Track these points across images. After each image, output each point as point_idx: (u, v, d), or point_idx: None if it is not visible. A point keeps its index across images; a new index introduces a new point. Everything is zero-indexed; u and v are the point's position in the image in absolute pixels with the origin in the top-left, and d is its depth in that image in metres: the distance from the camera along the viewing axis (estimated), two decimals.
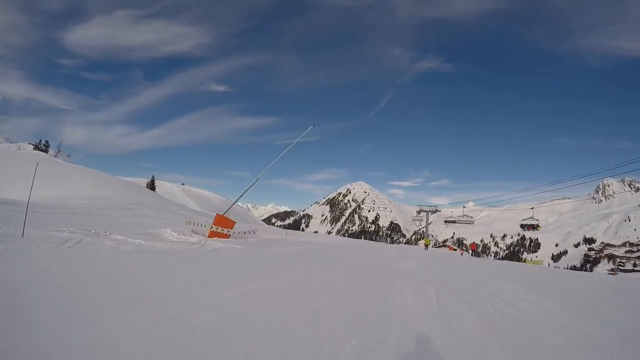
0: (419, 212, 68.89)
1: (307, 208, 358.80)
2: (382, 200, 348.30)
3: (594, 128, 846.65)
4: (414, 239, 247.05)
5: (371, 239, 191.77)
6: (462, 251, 51.10)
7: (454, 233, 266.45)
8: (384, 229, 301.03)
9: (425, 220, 67.38)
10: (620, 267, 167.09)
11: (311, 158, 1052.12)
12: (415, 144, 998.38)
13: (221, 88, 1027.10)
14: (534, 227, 32.88)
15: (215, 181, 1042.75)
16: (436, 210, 67.52)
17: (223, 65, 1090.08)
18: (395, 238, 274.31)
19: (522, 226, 33.68)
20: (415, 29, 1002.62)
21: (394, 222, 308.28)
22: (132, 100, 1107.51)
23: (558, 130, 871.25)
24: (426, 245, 41.18)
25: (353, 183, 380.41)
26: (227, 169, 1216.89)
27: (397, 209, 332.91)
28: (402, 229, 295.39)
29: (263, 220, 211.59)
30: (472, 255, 35.90)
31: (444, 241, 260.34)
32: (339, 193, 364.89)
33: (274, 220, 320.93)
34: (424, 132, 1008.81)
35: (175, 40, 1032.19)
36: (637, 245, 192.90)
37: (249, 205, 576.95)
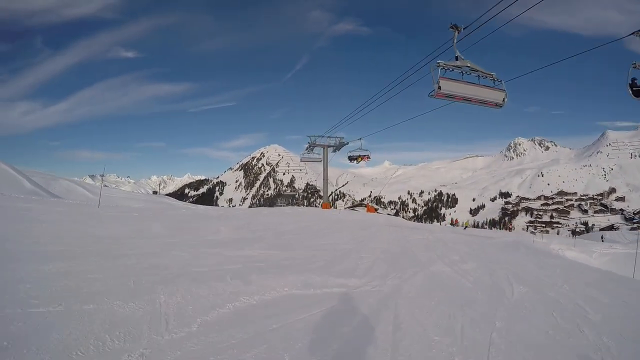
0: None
1: (221, 175, 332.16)
2: (296, 162, 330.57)
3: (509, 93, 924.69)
4: (331, 199, 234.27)
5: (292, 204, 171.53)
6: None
7: (371, 192, 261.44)
8: (300, 191, 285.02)
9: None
10: (538, 219, 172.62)
11: (227, 124, 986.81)
12: (331, 108, 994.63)
13: (130, 54, 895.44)
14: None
15: (130, 154, 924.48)
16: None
17: (131, 28, 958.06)
18: (312, 200, 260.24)
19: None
20: None
21: (310, 183, 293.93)
22: (33, 72, 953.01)
23: None
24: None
25: (267, 147, 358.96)
26: (140, 140, 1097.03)
27: (313, 171, 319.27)
28: (319, 191, 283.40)
29: (172, 195, 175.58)
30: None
31: (362, 200, 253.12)
32: (252, 157, 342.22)
33: (187, 190, 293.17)
34: (340, 95, 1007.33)
35: (78, 2, 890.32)
36: (551, 198, 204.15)
37: (165, 177, 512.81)
